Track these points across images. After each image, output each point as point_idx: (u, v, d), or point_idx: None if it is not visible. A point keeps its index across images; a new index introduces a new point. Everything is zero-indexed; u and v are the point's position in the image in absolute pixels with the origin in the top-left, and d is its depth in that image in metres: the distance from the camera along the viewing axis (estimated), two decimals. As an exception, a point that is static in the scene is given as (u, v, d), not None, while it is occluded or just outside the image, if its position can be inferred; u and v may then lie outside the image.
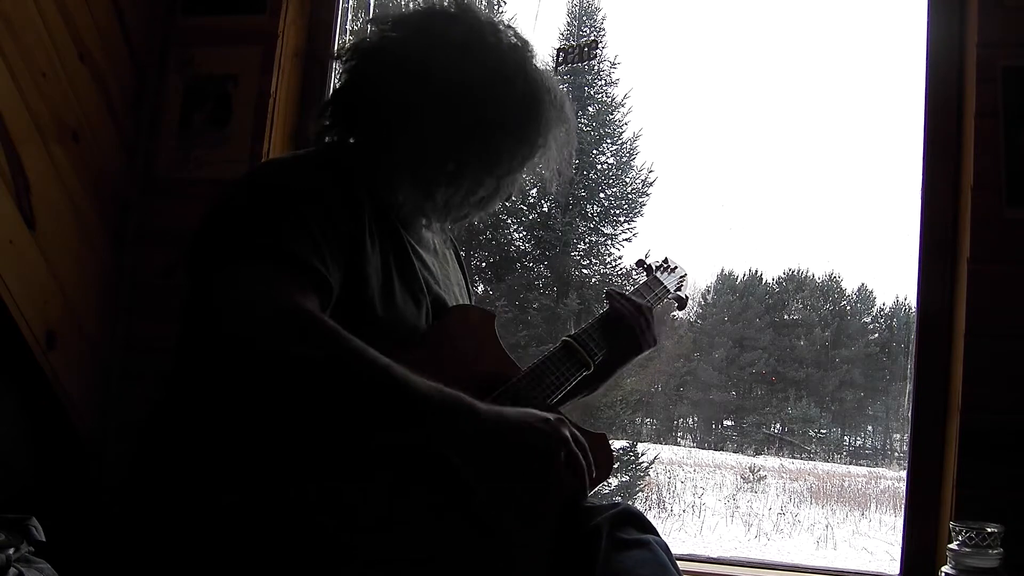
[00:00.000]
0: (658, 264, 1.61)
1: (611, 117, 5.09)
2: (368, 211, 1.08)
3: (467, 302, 1.33)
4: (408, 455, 0.99)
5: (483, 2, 1.24)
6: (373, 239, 1.08)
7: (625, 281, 4.92)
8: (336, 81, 1.22)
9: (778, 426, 6.01)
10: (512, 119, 1.15)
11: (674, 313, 1.65)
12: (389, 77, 1.14)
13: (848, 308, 5.87)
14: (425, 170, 1.15)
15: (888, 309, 5.75)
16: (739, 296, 5.92)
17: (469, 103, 1.13)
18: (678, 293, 1.61)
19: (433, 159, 1.14)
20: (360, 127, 1.17)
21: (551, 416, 1.03)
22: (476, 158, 1.16)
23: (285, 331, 0.89)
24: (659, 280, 1.56)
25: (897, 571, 1.77)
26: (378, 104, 1.15)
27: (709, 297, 5.80)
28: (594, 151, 5.09)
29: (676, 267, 1.62)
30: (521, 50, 1.18)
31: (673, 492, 5.34)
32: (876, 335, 5.81)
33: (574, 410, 1.30)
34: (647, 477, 5.05)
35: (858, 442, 6.13)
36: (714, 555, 2.51)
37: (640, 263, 1.61)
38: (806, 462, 5.84)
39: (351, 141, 1.19)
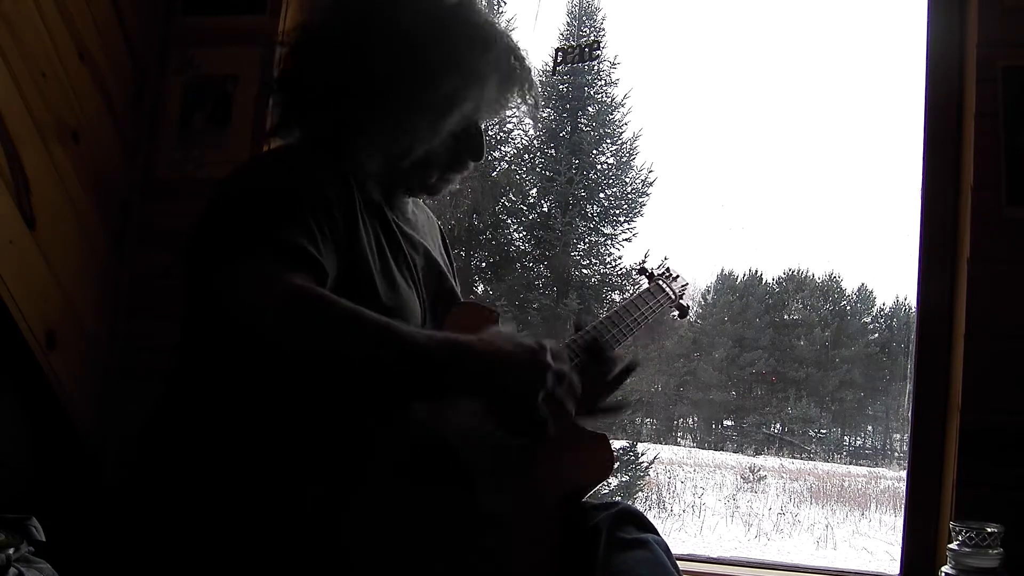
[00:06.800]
0: (660, 272, 1.62)
1: (611, 117, 5.09)
2: (356, 193, 1.09)
3: (451, 282, 1.32)
4: (410, 452, 1.00)
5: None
6: (364, 221, 1.09)
7: (625, 281, 4.92)
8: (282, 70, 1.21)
9: (778, 426, 6.01)
10: (456, 56, 1.14)
11: (674, 314, 1.66)
12: (333, 44, 1.14)
13: (848, 308, 5.87)
14: (391, 129, 1.13)
15: (888, 309, 5.76)
16: (739, 296, 5.92)
17: (413, 51, 1.12)
18: (680, 301, 1.62)
19: (393, 115, 1.13)
20: (324, 108, 1.15)
21: (538, 343, 1.03)
22: (435, 104, 1.14)
23: (289, 318, 0.90)
24: (661, 287, 1.57)
25: (897, 571, 1.77)
26: (331, 77, 1.14)
27: (709, 297, 5.81)
28: (594, 151, 5.10)
29: (678, 276, 1.63)
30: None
31: (673, 492, 5.34)
32: (876, 335, 5.81)
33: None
34: (647, 477, 5.06)
35: (858, 442, 6.14)
36: (714, 555, 2.51)
37: (643, 270, 1.62)
38: (806, 462, 5.84)
39: (322, 125, 1.17)
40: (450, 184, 1.25)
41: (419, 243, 1.24)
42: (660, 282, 1.58)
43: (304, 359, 0.90)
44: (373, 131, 1.13)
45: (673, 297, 1.58)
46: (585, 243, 5.07)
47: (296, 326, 0.90)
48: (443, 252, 1.36)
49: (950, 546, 1.48)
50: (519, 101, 1.23)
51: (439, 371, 0.94)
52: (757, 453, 5.90)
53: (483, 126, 1.23)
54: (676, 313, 1.65)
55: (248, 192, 1.04)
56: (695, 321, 5.71)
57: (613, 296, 5.02)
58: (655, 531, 1.16)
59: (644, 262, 1.64)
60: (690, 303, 1.66)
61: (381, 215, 1.15)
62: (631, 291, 1.58)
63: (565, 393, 1.02)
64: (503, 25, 1.21)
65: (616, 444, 4.90)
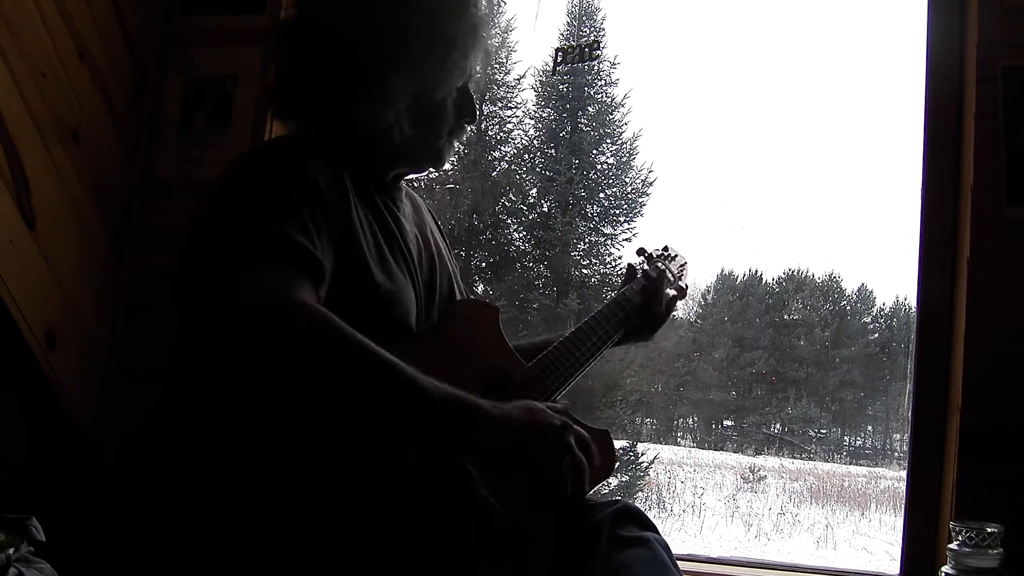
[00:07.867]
0: (659, 252, 1.60)
1: (611, 117, 5.08)
2: (348, 182, 1.09)
3: (449, 273, 1.31)
4: (410, 450, 1.00)
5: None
6: (357, 209, 1.09)
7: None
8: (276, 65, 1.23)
9: (778, 426, 6.01)
10: (441, 24, 1.15)
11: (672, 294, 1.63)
12: (322, 34, 1.14)
13: (848, 308, 5.87)
14: (384, 111, 1.14)
15: (888, 309, 5.75)
16: (739, 296, 5.91)
17: (400, 32, 1.13)
18: (679, 283, 1.59)
19: (388, 96, 1.13)
20: (317, 98, 1.16)
21: (557, 420, 1.04)
22: (427, 75, 1.15)
23: (288, 327, 0.89)
24: (659, 268, 1.55)
25: (897, 571, 1.77)
26: (321, 69, 1.14)
27: (709, 297, 5.80)
28: (594, 151, 5.09)
29: (676, 255, 1.61)
30: None
31: (673, 492, 5.34)
32: (876, 335, 5.80)
33: (576, 408, 1.30)
34: (647, 477, 5.05)
35: (858, 442, 6.13)
36: (714, 555, 2.51)
37: (641, 251, 1.60)
38: (806, 462, 5.84)
39: (316, 117, 1.17)
40: (452, 149, 1.25)
41: (413, 230, 1.23)
42: (659, 263, 1.56)
43: (296, 369, 0.90)
44: (368, 110, 1.13)
45: (671, 278, 1.56)
46: (585, 243, 5.06)
47: (291, 338, 0.89)
48: (438, 237, 1.36)
49: (950, 546, 1.48)
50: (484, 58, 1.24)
51: (435, 417, 0.94)
52: (757, 453, 5.89)
53: (471, 88, 1.23)
54: (676, 294, 1.59)
55: (244, 191, 1.04)
56: (695, 321, 5.71)
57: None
58: (655, 530, 1.16)
59: (656, 250, 1.62)
60: (688, 283, 1.62)
61: (374, 204, 1.15)
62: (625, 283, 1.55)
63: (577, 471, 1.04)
64: None
65: (616, 444, 4.89)
